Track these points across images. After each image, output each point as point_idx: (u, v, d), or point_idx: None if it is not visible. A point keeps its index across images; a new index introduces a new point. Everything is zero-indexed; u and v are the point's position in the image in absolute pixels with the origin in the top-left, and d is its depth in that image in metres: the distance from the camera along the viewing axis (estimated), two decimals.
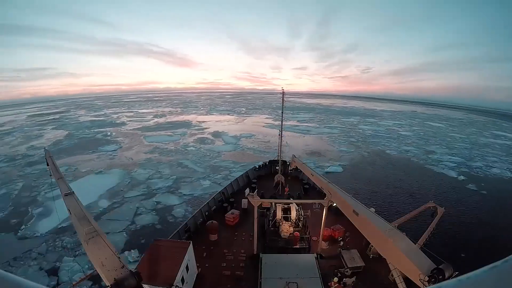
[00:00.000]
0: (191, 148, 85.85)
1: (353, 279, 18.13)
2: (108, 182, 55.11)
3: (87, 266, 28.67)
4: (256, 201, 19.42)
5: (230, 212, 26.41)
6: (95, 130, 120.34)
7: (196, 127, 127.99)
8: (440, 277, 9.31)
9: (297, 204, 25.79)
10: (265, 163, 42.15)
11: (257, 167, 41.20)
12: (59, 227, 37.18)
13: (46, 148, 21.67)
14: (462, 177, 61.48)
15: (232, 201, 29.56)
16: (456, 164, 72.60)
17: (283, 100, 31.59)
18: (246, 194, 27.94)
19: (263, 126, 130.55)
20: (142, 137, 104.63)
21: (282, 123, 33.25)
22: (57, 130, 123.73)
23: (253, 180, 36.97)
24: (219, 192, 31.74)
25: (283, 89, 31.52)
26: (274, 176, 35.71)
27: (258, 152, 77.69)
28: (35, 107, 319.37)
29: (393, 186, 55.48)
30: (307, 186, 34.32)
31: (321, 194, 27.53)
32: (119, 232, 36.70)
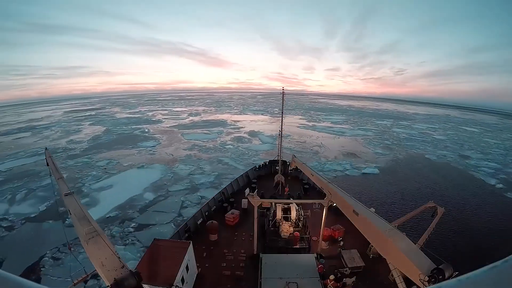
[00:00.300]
0: (229, 146, 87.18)
1: (353, 279, 18.13)
2: (151, 176, 56.51)
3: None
4: (256, 201, 19.42)
5: (230, 212, 26.39)
6: (132, 127, 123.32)
7: (232, 126, 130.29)
8: (440, 277, 9.31)
9: (297, 204, 25.77)
10: (265, 163, 42.13)
11: (257, 167, 41.19)
12: (106, 216, 38.80)
13: (46, 148, 21.64)
14: (500, 185, 58.80)
15: (232, 201, 29.55)
16: (493, 171, 70.04)
17: (283, 100, 31.56)
18: (246, 194, 27.94)
19: (298, 127, 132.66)
20: (179, 134, 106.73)
21: (282, 123, 33.19)
22: (94, 126, 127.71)
23: (253, 180, 36.96)
24: (219, 192, 31.73)
25: (283, 89, 31.49)
26: (274, 176, 35.68)
27: (296, 152, 75.23)
28: (70, 104, 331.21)
29: (431, 190, 53.92)
30: (307, 186, 34.30)
31: (321, 194, 27.53)
32: (166, 223, 37.95)
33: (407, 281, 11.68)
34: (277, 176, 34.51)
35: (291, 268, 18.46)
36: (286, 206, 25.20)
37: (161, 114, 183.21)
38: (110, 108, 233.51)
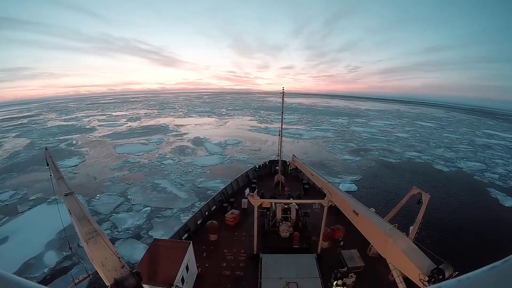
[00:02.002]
0: (169, 161, 71.75)
1: (353, 279, 18.13)
2: (59, 220, 36.48)
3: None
4: (256, 201, 19.42)
5: (230, 212, 26.39)
6: (60, 138, 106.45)
7: (174, 133, 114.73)
8: (440, 277, 9.32)
9: (297, 204, 25.81)
10: (265, 163, 42.22)
11: (257, 167, 41.26)
12: None
13: (46, 148, 21.69)
14: (487, 185, 55.20)
15: (232, 201, 29.59)
16: (475, 170, 66.92)
17: (283, 100, 31.66)
18: (246, 194, 28.00)
19: (249, 130, 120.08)
20: (111, 146, 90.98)
21: (282, 123, 33.30)
22: (19, 138, 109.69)
23: (253, 180, 37.01)
24: (219, 192, 31.77)
25: (283, 89, 31.58)
26: (274, 176, 35.72)
27: (250, 164, 54.81)
28: (6, 110, 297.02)
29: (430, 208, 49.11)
30: (307, 186, 34.33)
31: (321, 194, 27.56)
32: None
33: (407, 281, 11.69)
34: (277, 176, 34.55)
35: (291, 268, 18.50)
36: (286, 206, 25.24)
37: (97, 120, 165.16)
38: (46, 115, 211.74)
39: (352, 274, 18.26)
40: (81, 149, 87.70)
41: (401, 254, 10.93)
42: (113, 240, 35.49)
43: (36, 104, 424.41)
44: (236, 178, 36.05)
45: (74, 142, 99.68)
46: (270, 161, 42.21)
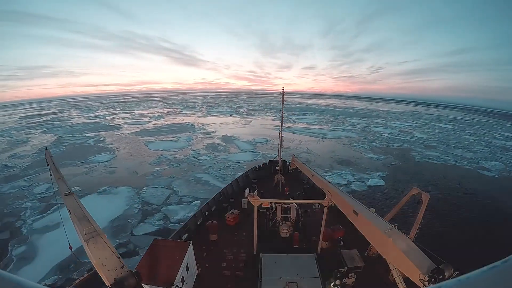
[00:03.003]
0: (205, 157, 74.26)
1: (353, 279, 18.14)
2: (110, 208, 41.87)
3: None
4: (256, 201, 19.44)
5: (230, 212, 26.41)
6: (87, 135, 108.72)
7: (201, 131, 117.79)
8: (440, 277, 9.34)
9: (297, 204, 25.82)
10: (265, 163, 42.22)
11: (257, 167, 41.25)
12: (48, 284, 26.68)
13: (46, 148, 21.69)
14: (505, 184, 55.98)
15: (232, 201, 29.63)
16: (494, 171, 67.43)
17: (283, 100, 31.64)
18: (246, 194, 28.02)
19: (274, 129, 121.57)
20: (142, 143, 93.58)
21: (282, 123, 33.33)
22: (45, 134, 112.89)
23: (253, 180, 37.03)
24: (219, 192, 31.77)
25: (283, 89, 31.60)
26: (274, 176, 35.74)
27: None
28: (28, 108, 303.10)
29: (444, 196, 49.25)
30: (307, 186, 34.34)
31: (321, 194, 27.59)
32: None
33: (407, 281, 11.69)
34: (277, 176, 34.56)
35: (291, 268, 18.49)
36: (286, 206, 25.28)
37: (121, 118, 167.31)
38: (68, 112, 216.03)
39: (352, 274, 18.24)
40: (110, 146, 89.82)
41: (401, 254, 10.94)
42: (168, 231, 34.42)
43: (56, 102, 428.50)
44: (236, 178, 36.06)
45: (101, 139, 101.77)
46: (270, 161, 42.20)
